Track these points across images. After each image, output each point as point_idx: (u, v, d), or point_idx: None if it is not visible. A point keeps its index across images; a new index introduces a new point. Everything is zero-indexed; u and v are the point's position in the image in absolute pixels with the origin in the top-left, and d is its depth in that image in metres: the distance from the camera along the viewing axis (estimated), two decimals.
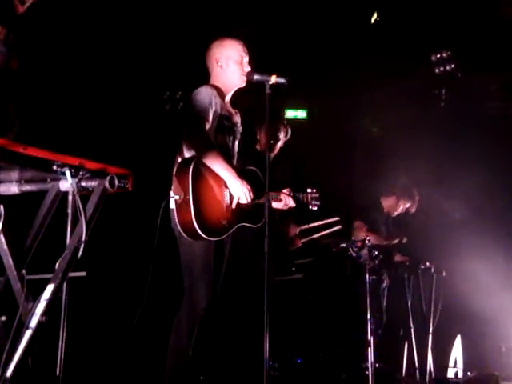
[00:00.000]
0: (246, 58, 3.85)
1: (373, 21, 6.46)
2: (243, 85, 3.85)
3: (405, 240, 5.86)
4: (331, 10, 6.19)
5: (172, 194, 3.49)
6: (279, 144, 5.34)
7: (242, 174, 3.71)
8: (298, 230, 5.57)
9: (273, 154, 5.30)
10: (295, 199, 4.10)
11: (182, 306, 3.61)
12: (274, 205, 3.97)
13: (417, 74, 6.76)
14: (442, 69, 6.54)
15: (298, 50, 6.42)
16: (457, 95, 6.91)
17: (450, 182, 6.26)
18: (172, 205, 3.59)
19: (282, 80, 3.59)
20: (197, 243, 3.53)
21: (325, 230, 5.63)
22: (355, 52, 6.56)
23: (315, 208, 4.31)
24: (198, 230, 3.41)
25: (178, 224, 3.47)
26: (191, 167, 3.47)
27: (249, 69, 3.81)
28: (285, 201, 4.00)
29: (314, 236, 5.62)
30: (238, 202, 3.64)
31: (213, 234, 3.51)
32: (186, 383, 3.57)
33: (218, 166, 3.57)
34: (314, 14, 6.19)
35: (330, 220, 5.64)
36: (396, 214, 6.23)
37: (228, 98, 3.89)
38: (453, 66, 6.48)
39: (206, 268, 3.60)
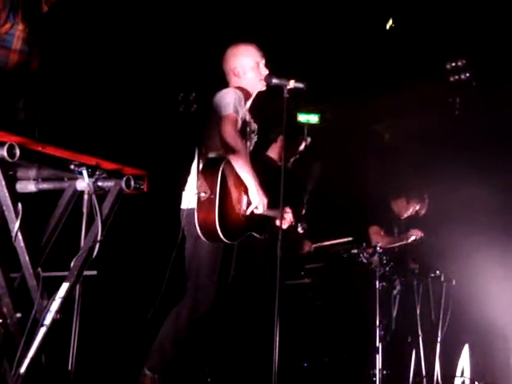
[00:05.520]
0: (263, 61, 3.81)
1: (388, 27, 6.46)
2: (263, 88, 3.81)
3: (420, 236, 5.74)
4: (346, 16, 6.19)
5: (196, 190, 3.42)
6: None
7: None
8: (313, 248, 5.56)
9: (289, 165, 5.21)
10: (296, 216, 4.03)
11: (184, 302, 3.56)
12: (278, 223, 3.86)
13: (431, 82, 6.74)
14: (456, 77, 6.54)
15: (311, 54, 6.41)
16: (472, 103, 6.87)
17: (464, 189, 6.21)
18: (184, 205, 3.58)
19: (300, 85, 3.58)
20: (208, 245, 3.50)
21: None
22: (369, 58, 6.55)
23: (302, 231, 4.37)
24: (219, 231, 3.37)
25: (196, 222, 3.41)
26: (221, 167, 3.44)
27: (266, 71, 3.78)
28: (289, 219, 3.88)
29: (327, 243, 5.61)
30: (252, 211, 3.61)
31: (230, 237, 3.49)
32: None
33: (245, 171, 3.54)
34: (328, 19, 6.19)
35: (343, 240, 5.59)
36: (406, 216, 6.20)
37: (248, 104, 3.84)
38: (468, 74, 6.48)
39: (213, 271, 3.58)
